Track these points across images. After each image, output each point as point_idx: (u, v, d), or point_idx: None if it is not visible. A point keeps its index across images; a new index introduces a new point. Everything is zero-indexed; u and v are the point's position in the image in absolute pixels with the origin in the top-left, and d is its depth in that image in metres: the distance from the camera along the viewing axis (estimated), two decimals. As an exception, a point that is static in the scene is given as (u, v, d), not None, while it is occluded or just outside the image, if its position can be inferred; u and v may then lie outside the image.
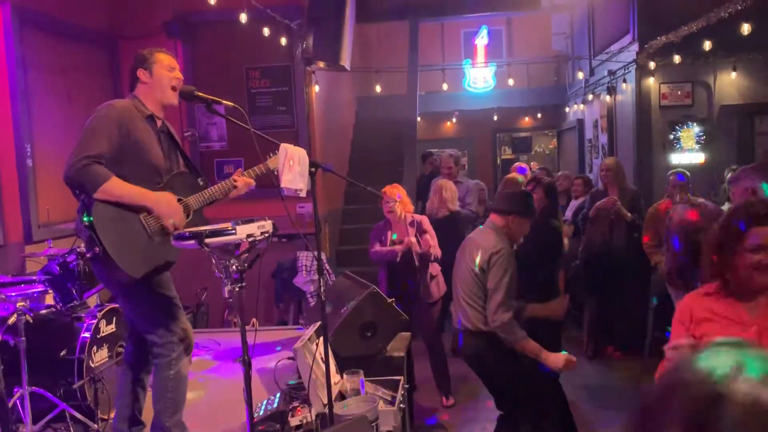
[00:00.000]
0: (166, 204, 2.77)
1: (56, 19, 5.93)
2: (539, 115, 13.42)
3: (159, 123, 2.99)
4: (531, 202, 3.60)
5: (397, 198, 4.76)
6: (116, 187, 2.66)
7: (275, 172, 3.10)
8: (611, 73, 8.43)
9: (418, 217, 4.91)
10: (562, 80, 12.56)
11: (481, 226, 3.74)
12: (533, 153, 14.82)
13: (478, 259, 3.31)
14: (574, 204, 6.87)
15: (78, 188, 2.67)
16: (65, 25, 6.08)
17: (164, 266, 2.88)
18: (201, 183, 3.07)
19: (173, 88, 2.97)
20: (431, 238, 4.75)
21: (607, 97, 8.73)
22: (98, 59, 6.71)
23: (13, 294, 3.59)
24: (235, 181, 3.08)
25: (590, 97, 10.02)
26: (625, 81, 7.96)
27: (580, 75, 10.12)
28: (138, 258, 2.74)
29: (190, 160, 3.21)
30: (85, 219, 2.65)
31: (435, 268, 4.84)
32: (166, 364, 2.91)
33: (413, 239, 4.73)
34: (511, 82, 11.07)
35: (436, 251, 4.74)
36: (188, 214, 2.92)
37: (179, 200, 2.90)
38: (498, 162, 13.89)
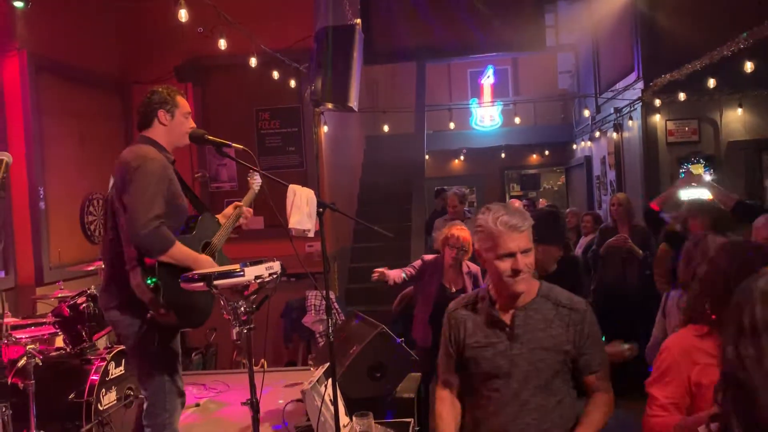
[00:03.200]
0: (207, 267, 2.76)
1: (70, 65, 6.08)
2: (547, 152, 13.50)
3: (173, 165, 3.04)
4: (556, 225, 3.35)
5: (467, 249, 4.38)
6: (178, 252, 2.67)
7: (256, 190, 3.17)
8: (617, 110, 8.50)
9: (473, 267, 4.55)
10: (569, 118, 12.66)
11: None
12: (542, 189, 14.85)
13: None
14: (583, 241, 6.85)
15: (147, 250, 2.63)
16: (79, 71, 6.23)
17: (208, 315, 2.92)
18: (217, 220, 3.11)
19: (187, 135, 3.01)
20: None
21: (614, 134, 8.78)
22: (111, 104, 6.85)
23: (23, 336, 3.60)
24: (242, 209, 3.12)
25: (597, 134, 10.08)
26: (631, 118, 8.01)
27: (587, 113, 10.21)
28: (195, 312, 2.82)
29: (196, 195, 3.23)
30: (149, 282, 2.64)
31: None
32: (161, 425, 2.84)
33: (468, 288, 4.47)
34: (517, 120, 11.18)
35: None
36: (214, 255, 2.94)
37: (207, 243, 2.95)
38: (507, 198, 13.92)
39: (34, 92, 5.51)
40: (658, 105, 7.35)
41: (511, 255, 2.06)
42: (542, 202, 13.95)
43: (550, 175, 14.95)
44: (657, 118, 7.49)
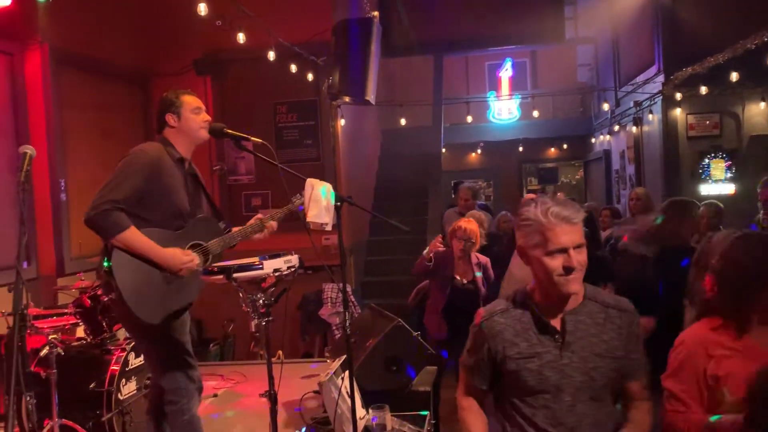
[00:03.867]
0: (173, 260, 2.77)
1: (91, 58, 6.14)
2: (565, 146, 13.40)
3: (186, 165, 3.06)
4: (591, 226, 3.28)
5: (473, 239, 4.51)
6: (130, 239, 2.69)
7: (301, 215, 3.16)
8: (637, 104, 8.41)
9: (483, 258, 4.67)
10: (588, 111, 12.56)
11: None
12: (560, 183, 14.75)
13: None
14: (601, 235, 6.80)
15: (96, 230, 2.70)
16: (100, 63, 6.29)
17: (180, 308, 2.91)
18: (222, 226, 3.11)
19: (201, 129, 3.03)
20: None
21: (634, 128, 8.69)
22: (131, 96, 6.91)
23: (45, 326, 3.65)
24: (261, 221, 3.11)
25: (616, 128, 9.98)
26: (651, 112, 7.92)
27: (606, 106, 10.11)
28: (154, 304, 2.77)
29: (213, 203, 3.26)
30: (105, 264, 2.69)
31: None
32: (179, 411, 2.90)
33: (479, 280, 4.59)
34: (536, 113, 11.10)
35: None
36: (207, 259, 2.95)
37: (199, 245, 2.95)
38: (524, 192, 13.85)
39: (56, 85, 5.57)
40: (678, 99, 7.26)
41: (563, 251, 1.84)
42: (560, 196, 13.85)
43: (569, 169, 14.84)
44: (677, 112, 7.40)
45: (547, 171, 14.58)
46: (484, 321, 1.99)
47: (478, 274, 4.67)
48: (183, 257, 2.80)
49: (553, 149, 13.70)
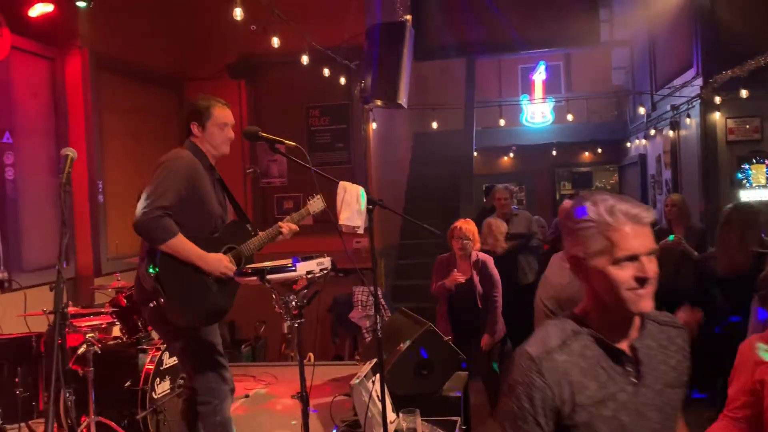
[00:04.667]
0: (217, 266, 2.85)
1: (128, 62, 6.27)
2: (599, 150, 13.21)
3: (215, 171, 3.10)
4: None
5: (470, 237, 4.66)
6: (178, 245, 2.75)
7: (313, 215, 3.18)
8: (674, 107, 8.25)
9: (483, 256, 4.78)
10: (623, 115, 12.36)
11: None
12: (594, 188, 14.54)
13: (547, 300, 3.06)
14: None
15: (145, 236, 2.76)
16: (136, 68, 6.42)
17: (220, 312, 2.97)
18: (250, 229, 3.15)
19: (224, 145, 3.06)
20: (496, 284, 4.67)
21: (671, 132, 8.52)
22: (166, 100, 7.03)
23: (83, 325, 3.73)
24: (281, 227, 3.14)
25: (652, 132, 9.80)
26: (689, 116, 7.76)
27: (642, 110, 9.93)
28: (196, 306, 2.83)
29: (239, 206, 3.30)
30: (150, 270, 2.74)
31: (497, 309, 4.74)
32: (212, 411, 2.95)
33: (475, 279, 4.66)
34: (570, 117, 10.97)
35: (498, 297, 4.68)
36: (239, 262, 2.99)
37: (233, 248, 3.00)
38: (557, 197, 13.68)
39: (95, 89, 5.70)
40: (718, 102, 7.09)
41: (634, 258, 1.46)
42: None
43: (603, 174, 14.62)
44: (716, 116, 7.23)
45: (580, 175, 14.38)
46: (542, 362, 1.45)
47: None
48: (226, 262, 2.88)
49: (587, 153, 13.51)
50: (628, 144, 12.08)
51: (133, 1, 6.29)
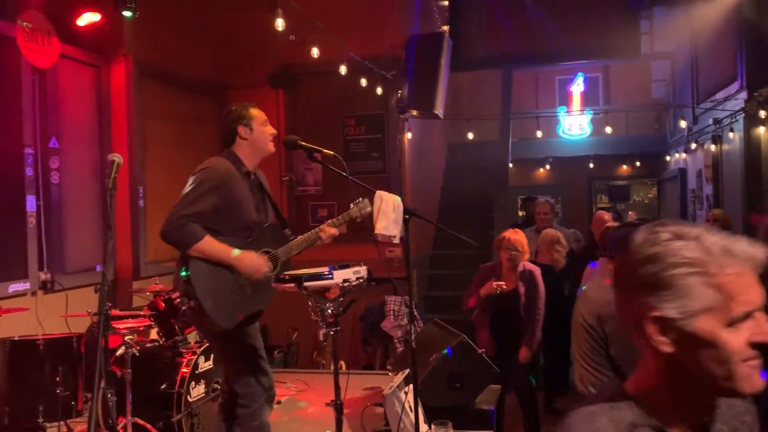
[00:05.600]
0: (248, 262, 2.88)
1: (171, 71, 6.41)
2: (638, 164, 13.01)
3: (252, 176, 3.14)
4: None
5: (519, 249, 4.54)
6: (207, 247, 2.80)
7: (357, 220, 3.18)
8: (717, 121, 8.08)
9: (530, 267, 4.65)
10: (663, 128, 12.16)
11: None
12: (631, 202, 14.30)
13: (587, 315, 2.96)
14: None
15: (173, 244, 2.83)
16: (178, 76, 6.55)
17: (254, 316, 2.99)
18: (288, 233, 3.17)
19: (270, 141, 3.12)
20: (540, 298, 4.57)
21: (713, 147, 8.34)
22: (206, 108, 7.16)
23: (122, 327, 3.80)
24: (321, 231, 3.14)
25: (693, 146, 9.61)
26: (732, 130, 7.59)
27: (683, 123, 9.75)
28: (230, 310, 2.86)
29: (278, 209, 3.33)
30: (182, 273, 2.80)
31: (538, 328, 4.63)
32: (250, 415, 2.98)
33: (521, 290, 4.55)
34: (608, 129, 10.83)
35: (540, 313, 4.59)
36: (276, 265, 3.02)
37: (268, 252, 3.02)
38: (594, 210, 13.49)
39: (138, 96, 5.84)
40: (763, 116, 6.92)
41: (749, 315, 1.04)
42: (632, 215, 13.43)
43: (641, 187, 14.38)
44: (761, 131, 7.06)
45: (618, 189, 14.16)
46: None
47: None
48: (257, 259, 2.90)
49: (625, 166, 13.31)
50: (668, 158, 11.87)
51: (176, 11, 6.44)
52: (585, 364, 2.94)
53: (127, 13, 5.30)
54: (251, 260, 2.88)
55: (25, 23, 4.59)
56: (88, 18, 5.06)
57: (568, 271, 5.66)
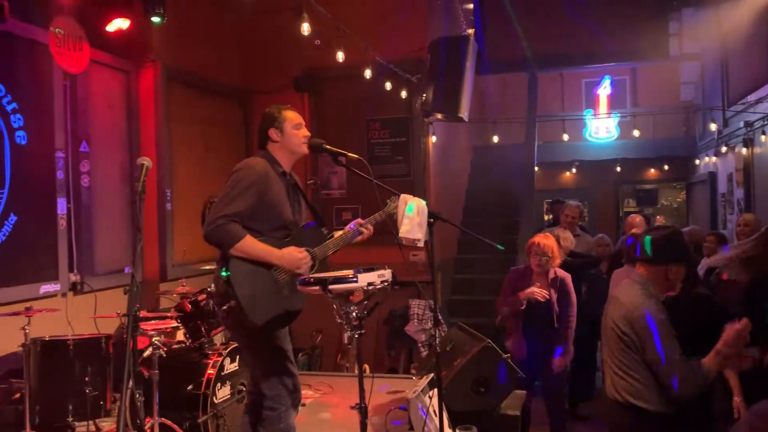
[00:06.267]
0: (289, 258, 2.91)
1: (198, 76, 6.49)
2: (666, 167, 12.81)
3: (288, 177, 3.16)
4: (685, 243, 3.04)
5: (549, 254, 4.47)
6: (248, 246, 2.84)
7: (393, 217, 3.16)
8: (748, 124, 7.92)
9: (561, 273, 4.57)
10: (692, 131, 11.96)
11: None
12: (659, 206, 14.09)
13: (619, 321, 2.92)
14: (705, 263, 6.40)
15: (215, 244, 2.86)
16: (205, 81, 6.63)
17: (290, 315, 3.00)
18: (325, 232, 3.19)
19: (302, 144, 3.14)
20: (572, 305, 4.50)
21: (744, 150, 8.18)
22: (232, 112, 7.24)
23: (149, 328, 3.85)
24: (360, 227, 3.16)
25: (724, 149, 9.43)
26: (764, 133, 7.43)
27: (713, 126, 9.58)
28: (267, 310, 2.89)
29: (314, 208, 3.35)
30: (223, 274, 2.83)
31: (570, 335, 4.54)
32: (276, 418, 2.99)
33: (553, 297, 4.45)
34: (636, 132, 10.69)
35: (572, 319, 4.52)
36: (314, 265, 3.03)
37: (306, 251, 3.04)
38: (621, 214, 13.32)
39: (165, 101, 5.93)
40: (795, 118, 6.77)
41: None
42: (659, 219, 13.24)
43: (669, 191, 14.15)
44: (794, 133, 6.91)
45: (646, 193, 13.95)
46: None
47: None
48: (297, 254, 2.93)
49: (653, 170, 13.12)
50: (697, 161, 11.67)
51: (203, 17, 6.52)
52: (618, 370, 2.90)
53: (156, 19, 5.39)
54: (293, 256, 2.91)
55: (57, 29, 4.69)
56: (117, 24, 5.15)
57: (584, 274, 5.61)
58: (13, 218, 4.45)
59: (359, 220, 3.23)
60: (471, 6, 8.73)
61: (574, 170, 13.12)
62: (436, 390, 2.98)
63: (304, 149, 3.15)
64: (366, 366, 5.60)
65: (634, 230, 5.69)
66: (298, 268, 2.91)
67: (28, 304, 3.85)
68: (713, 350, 2.71)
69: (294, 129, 3.12)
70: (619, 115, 11.93)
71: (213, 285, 2.97)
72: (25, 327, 3.71)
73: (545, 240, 4.51)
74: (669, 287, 2.93)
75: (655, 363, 2.71)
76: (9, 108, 4.48)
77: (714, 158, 10.24)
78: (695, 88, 11.64)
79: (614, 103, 12.45)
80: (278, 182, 3.05)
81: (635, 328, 2.77)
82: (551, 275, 4.50)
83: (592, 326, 5.58)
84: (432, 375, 3.64)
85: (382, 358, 7.04)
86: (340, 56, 5.51)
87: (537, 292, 4.36)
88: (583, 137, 12.23)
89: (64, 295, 4.82)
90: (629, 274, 3.19)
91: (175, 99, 6.15)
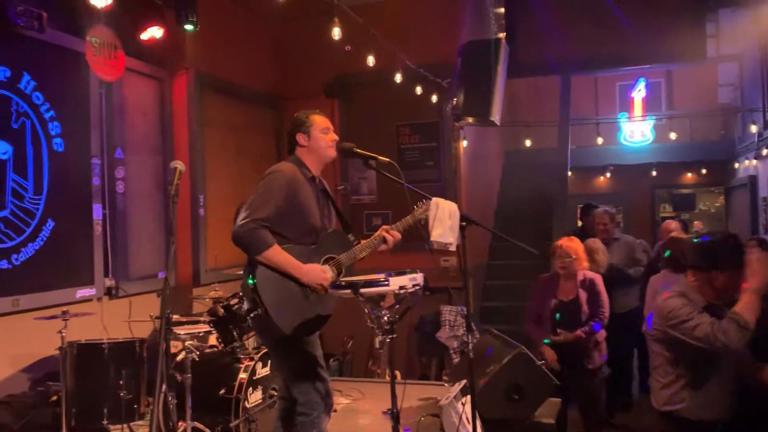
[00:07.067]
0: (313, 275, 2.89)
1: (230, 83, 6.55)
2: (704, 171, 12.52)
3: (317, 181, 3.16)
4: (740, 249, 2.89)
5: (573, 255, 4.46)
6: (274, 256, 2.83)
7: (421, 222, 3.13)
8: (790, 125, 7.69)
9: (590, 274, 4.54)
10: (731, 134, 11.68)
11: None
12: (697, 211, 13.77)
13: (671, 328, 2.84)
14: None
15: (243, 248, 2.86)
16: (237, 87, 6.70)
17: (319, 321, 2.99)
18: (352, 239, 3.17)
19: (330, 148, 3.13)
20: (603, 304, 4.43)
21: (786, 152, 7.95)
22: (264, 118, 7.29)
23: (182, 333, 3.88)
24: (385, 233, 3.12)
25: (765, 151, 9.18)
26: (807, 134, 7.21)
27: (753, 128, 9.34)
28: (294, 317, 2.88)
29: (342, 214, 3.34)
30: (249, 281, 2.84)
31: (600, 333, 4.47)
32: (309, 423, 2.98)
33: (582, 299, 4.41)
34: (673, 135, 10.47)
35: (605, 317, 4.44)
36: (340, 272, 3.02)
37: (332, 258, 3.04)
38: (657, 219, 13.05)
39: (198, 108, 6.00)
40: (841, 119, 6.54)
41: None
42: (697, 225, 12.93)
43: (707, 196, 13.82)
44: (840, 134, 6.68)
45: (682, 197, 13.65)
46: None
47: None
48: (321, 273, 2.91)
49: (690, 174, 12.83)
50: (736, 165, 11.38)
51: (235, 25, 6.59)
52: (658, 378, 2.84)
53: (189, 27, 5.46)
54: (316, 274, 2.89)
55: (93, 39, 4.77)
56: (152, 32, 5.22)
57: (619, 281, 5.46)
58: (50, 224, 4.54)
59: (386, 226, 3.19)
60: (502, 10, 8.66)
61: (608, 174, 12.92)
62: (469, 397, 2.93)
63: (332, 153, 3.14)
64: (397, 372, 5.57)
65: (673, 234, 5.53)
66: (319, 286, 2.89)
67: (64, 308, 3.91)
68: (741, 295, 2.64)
69: (321, 133, 3.13)
70: (654, 118, 11.71)
71: (241, 292, 2.97)
72: (62, 331, 3.78)
73: (568, 242, 4.53)
74: (717, 295, 2.80)
75: (695, 339, 2.65)
76: (47, 116, 4.57)
77: (754, 161, 9.98)
78: (734, 89, 11.38)
79: (649, 106, 12.23)
80: (307, 187, 3.05)
81: (670, 323, 2.72)
82: (580, 277, 4.47)
83: (628, 332, 5.47)
84: (464, 381, 3.59)
85: (413, 365, 6.99)
86: (371, 61, 5.50)
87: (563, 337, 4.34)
88: (617, 141, 12.04)
89: (99, 299, 4.89)
90: (667, 280, 3.12)
91: (208, 105, 6.22)
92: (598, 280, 4.49)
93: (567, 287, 4.50)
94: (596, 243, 5.28)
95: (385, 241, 3.12)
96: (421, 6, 6.94)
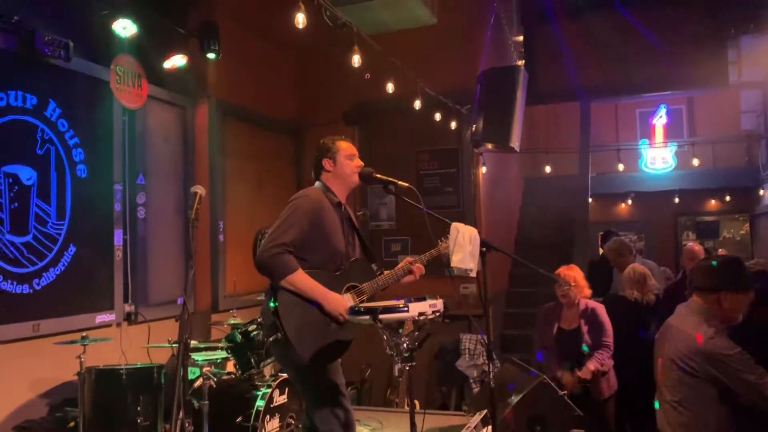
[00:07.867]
0: (335, 304, 2.87)
1: (251, 111, 6.63)
2: (728, 198, 12.35)
3: (343, 209, 3.15)
4: (745, 271, 2.91)
5: (572, 283, 4.46)
6: (298, 281, 2.81)
7: (445, 259, 3.11)
8: (816, 151, 7.57)
9: (592, 304, 4.52)
10: (755, 161, 11.53)
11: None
12: (721, 239, 13.53)
13: (678, 353, 2.78)
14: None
15: (266, 272, 2.85)
16: (258, 115, 6.77)
17: (340, 347, 2.95)
18: (375, 268, 3.15)
19: (355, 174, 3.14)
20: (607, 334, 4.38)
21: (812, 178, 7.81)
22: (285, 146, 7.35)
23: (200, 359, 3.86)
24: (411, 265, 3.12)
25: (790, 178, 9.03)
26: (834, 160, 7.08)
27: (777, 154, 9.20)
28: (314, 342, 2.84)
29: (366, 244, 3.32)
30: (271, 305, 2.82)
31: (607, 363, 4.37)
32: None
33: (583, 329, 4.38)
34: (695, 162, 10.36)
35: (609, 346, 4.36)
36: (362, 300, 2.99)
37: (355, 287, 3.02)
38: (680, 247, 12.85)
39: (219, 135, 6.06)
40: None
41: None
42: (721, 252, 12.70)
43: (732, 224, 13.59)
44: None
45: (706, 225, 13.43)
46: None
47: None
48: (343, 302, 2.90)
49: (713, 201, 12.66)
50: (761, 191, 11.20)
51: (256, 53, 6.68)
52: (677, 405, 2.76)
53: (211, 56, 5.57)
54: (337, 303, 2.87)
55: (118, 67, 4.87)
56: (174, 61, 5.32)
57: (657, 308, 5.32)
58: (72, 249, 4.58)
59: (410, 258, 3.21)
60: (521, 38, 8.70)
61: (629, 201, 12.79)
62: (490, 427, 2.86)
63: (356, 179, 3.14)
64: (416, 401, 5.48)
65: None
66: (339, 316, 2.86)
67: (84, 333, 3.92)
68: None
69: (347, 159, 3.14)
70: (676, 145, 11.61)
71: (261, 316, 2.95)
72: (81, 356, 3.78)
73: (568, 270, 4.53)
74: (726, 317, 2.79)
75: (747, 390, 2.62)
76: (71, 143, 4.65)
77: (779, 188, 9.82)
78: (757, 116, 11.25)
79: (670, 132, 12.15)
80: (333, 213, 3.04)
81: (713, 364, 2.64)
82: (582, 306, 4.46)
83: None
84: (485, 411, 3.51)
85: (432, 395, 6.88)
86: (390, 88, 5.53)
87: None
88: (638, 168, 11.93)
89: (118, 324, 4.90)
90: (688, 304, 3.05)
91: (229, 132, 6.28)
92: (600, 309, 4.47)
93: (569, 316, 4.49)
94: (642, 267, 5.17)
95: (410, 272, 3.14)
96: (440, 34, 6.99)
